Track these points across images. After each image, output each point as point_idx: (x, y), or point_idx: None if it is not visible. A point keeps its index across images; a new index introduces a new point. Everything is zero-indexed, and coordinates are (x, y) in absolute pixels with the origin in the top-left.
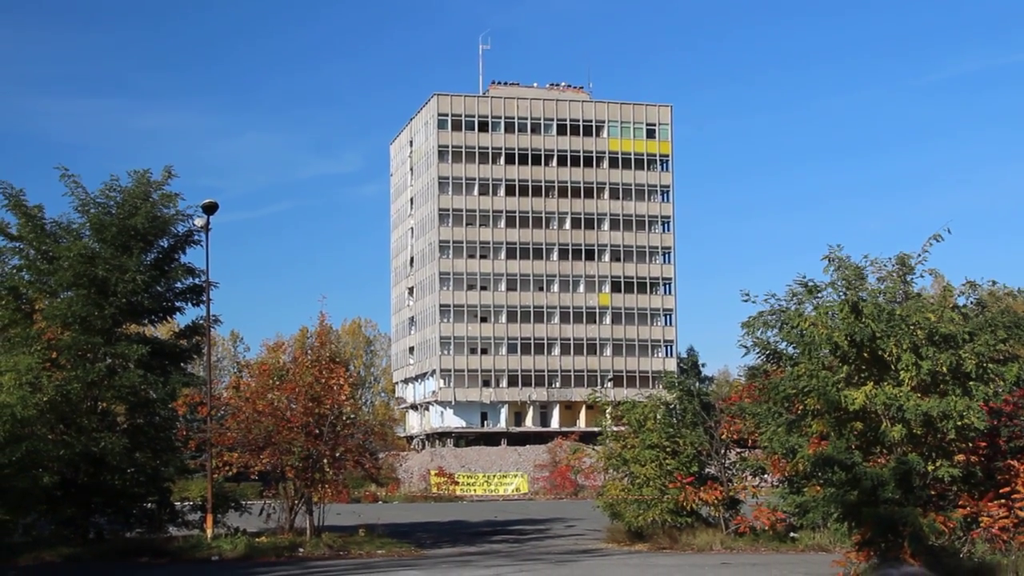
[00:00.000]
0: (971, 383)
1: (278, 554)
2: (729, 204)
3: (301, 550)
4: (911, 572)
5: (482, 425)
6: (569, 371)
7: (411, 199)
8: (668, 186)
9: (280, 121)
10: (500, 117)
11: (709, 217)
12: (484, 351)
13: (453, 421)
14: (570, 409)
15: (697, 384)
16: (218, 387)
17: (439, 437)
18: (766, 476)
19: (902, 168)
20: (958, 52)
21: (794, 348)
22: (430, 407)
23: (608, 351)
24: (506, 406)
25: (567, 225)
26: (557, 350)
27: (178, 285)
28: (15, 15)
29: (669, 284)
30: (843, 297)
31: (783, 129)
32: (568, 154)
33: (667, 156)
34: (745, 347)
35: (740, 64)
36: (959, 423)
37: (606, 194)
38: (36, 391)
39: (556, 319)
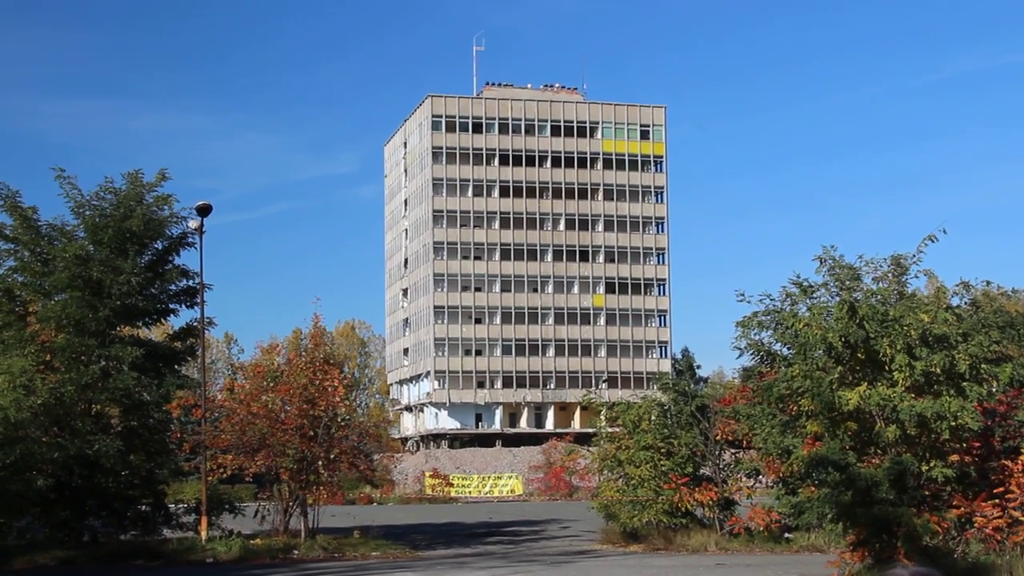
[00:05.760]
0: (965, 383)
1: (273, 556)
2: (724, 205)
3: (296, 552)
4: (920, 572)
5: (477, 426)
6: (564, 372)
7: (405, 200)
8: (662, 187)
9: (276, 122)
10: (494, 118)
11: (704, 218)
12: (478, 352)
13: (448, 422)
14: (565, 410)
15: (692, 385)
16: (212, 389)
17: (434, 438)
18: (761, 477)
19: (900, 168)
20: (956, 51)
21: (788, 349)
22: (425, 408)
23: (603, 352)
24: (501, 407)
25: (561, 226)
26: (552, 351)
27: (172, 287)
28: (10, 15)
29: (663, 285)
30: (837, 298)
31: (779, 129)
32: (562, 155)
33: (661, 157)
34: (739, 349)
35: (735, 64)
36: (953, 423)
37: (600, 195)
38: (30, 394)
39: (550, 320)
